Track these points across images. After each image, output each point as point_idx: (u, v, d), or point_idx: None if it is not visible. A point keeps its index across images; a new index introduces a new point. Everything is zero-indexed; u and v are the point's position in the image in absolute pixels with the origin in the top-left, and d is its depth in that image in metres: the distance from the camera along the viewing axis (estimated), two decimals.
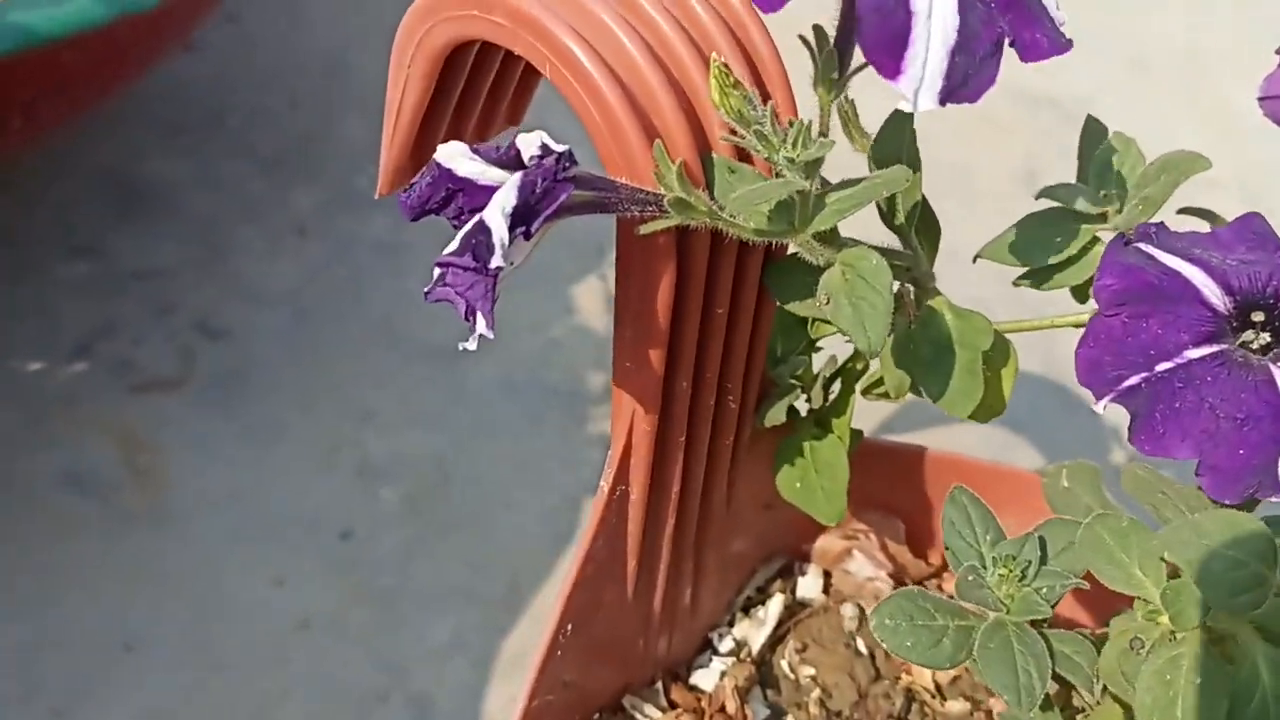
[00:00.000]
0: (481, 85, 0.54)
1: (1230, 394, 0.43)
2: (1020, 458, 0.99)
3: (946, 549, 0.51)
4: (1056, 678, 0.49)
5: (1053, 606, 0.49)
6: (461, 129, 0.55)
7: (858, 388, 0.59)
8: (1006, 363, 0.54)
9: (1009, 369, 0.54)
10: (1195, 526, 0.39)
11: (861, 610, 0.69)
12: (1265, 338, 0.44)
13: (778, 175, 0.44)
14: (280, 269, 1.07)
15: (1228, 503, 0.44)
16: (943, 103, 0.38)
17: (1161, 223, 0.47)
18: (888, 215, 0.51)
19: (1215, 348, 0.44)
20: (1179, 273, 0.44)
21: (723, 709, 0.63)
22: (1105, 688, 0.47)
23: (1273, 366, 0.44)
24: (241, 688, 0.84)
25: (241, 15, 1.25)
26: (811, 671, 0.66)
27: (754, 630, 0.68)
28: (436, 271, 0.41)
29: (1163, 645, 0.43)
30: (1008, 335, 0.55)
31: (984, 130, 1.23)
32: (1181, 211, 0.54)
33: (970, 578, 0.48)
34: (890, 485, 0.70)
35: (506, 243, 0.38)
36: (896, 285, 0.52)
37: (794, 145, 0.42)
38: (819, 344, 0.60)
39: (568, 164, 0.40)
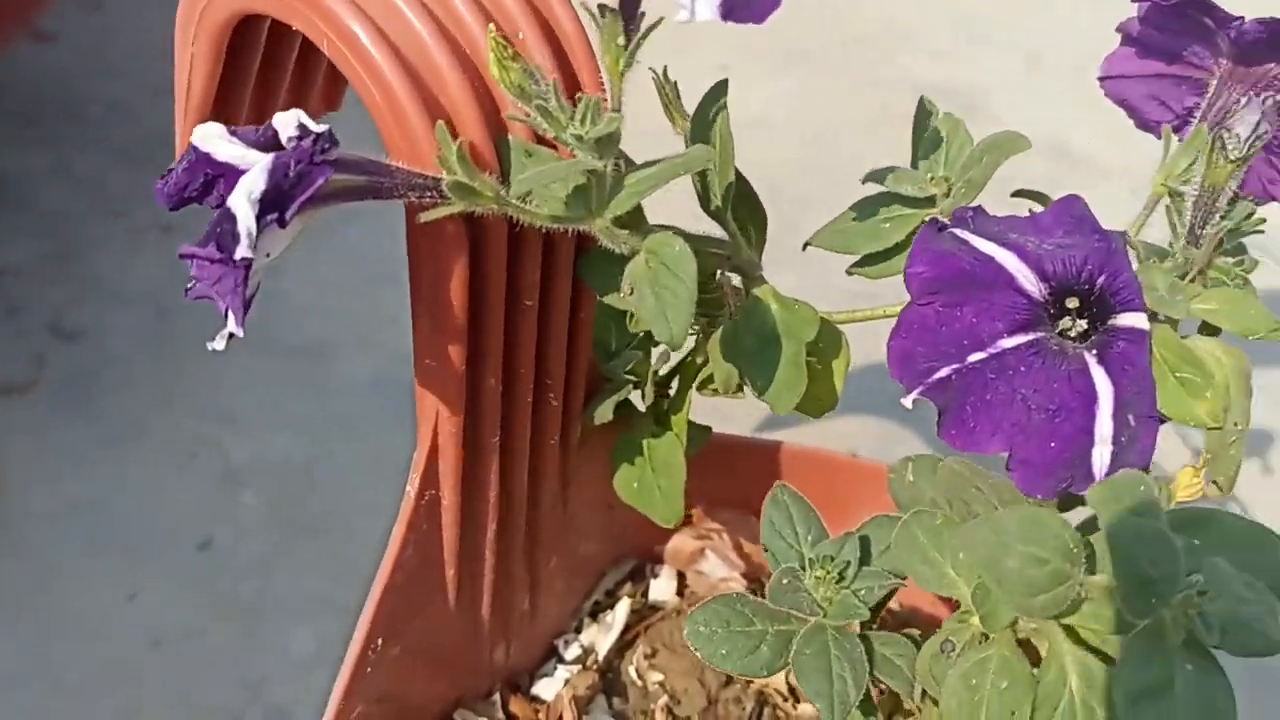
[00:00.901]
0: (283, 64, 0.51)
1: (1043, 384, 0.42)
2: (911, 449, 0.97)
3: (765, 550, 0.49)
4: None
5: (873, 608, 0.47)
6: (266, 114, 0.52)
7: (694, 383, 0.57)
8: (838, 354, 0.51)
9: (840, 361, 0.52)
10: (994, 523, 0.37)
11: None
12: (1082, 324, 0.42)
13: None
14: (141, 266, 1.03)
15: (1041, 498, 0.42)
16: (724, 17, 0.35)
17: (979, 206, 0.45)
18: (703, 199, 0.48)
19: (1030, 336, 0.42)
20: (992, 258, 0.42)
21: (560, 718, 0.61)
22: (925, 691, 0.45)
23: (1088, 355, 0.42)
24: (87, 710, 0.80)
25: (104, 3, 1.20)
26: (660, 677, 0.64)
27: (601, 636, 0.65)
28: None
29: (971, 648, 0.41)
30: (842, 326, 0.53)
31: (886, 124, 1.21)
32: (1016, 194, 0.52)
33: (785, 581, 0.46)
34: (744, 482, 0.68)
35: (254, 232, 0.35)
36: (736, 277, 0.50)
37: (583, 121, 0.40)
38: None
39: (327, 145, 0.37)
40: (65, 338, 0.97)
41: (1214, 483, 0.43)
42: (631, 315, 0.53)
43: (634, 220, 0.44)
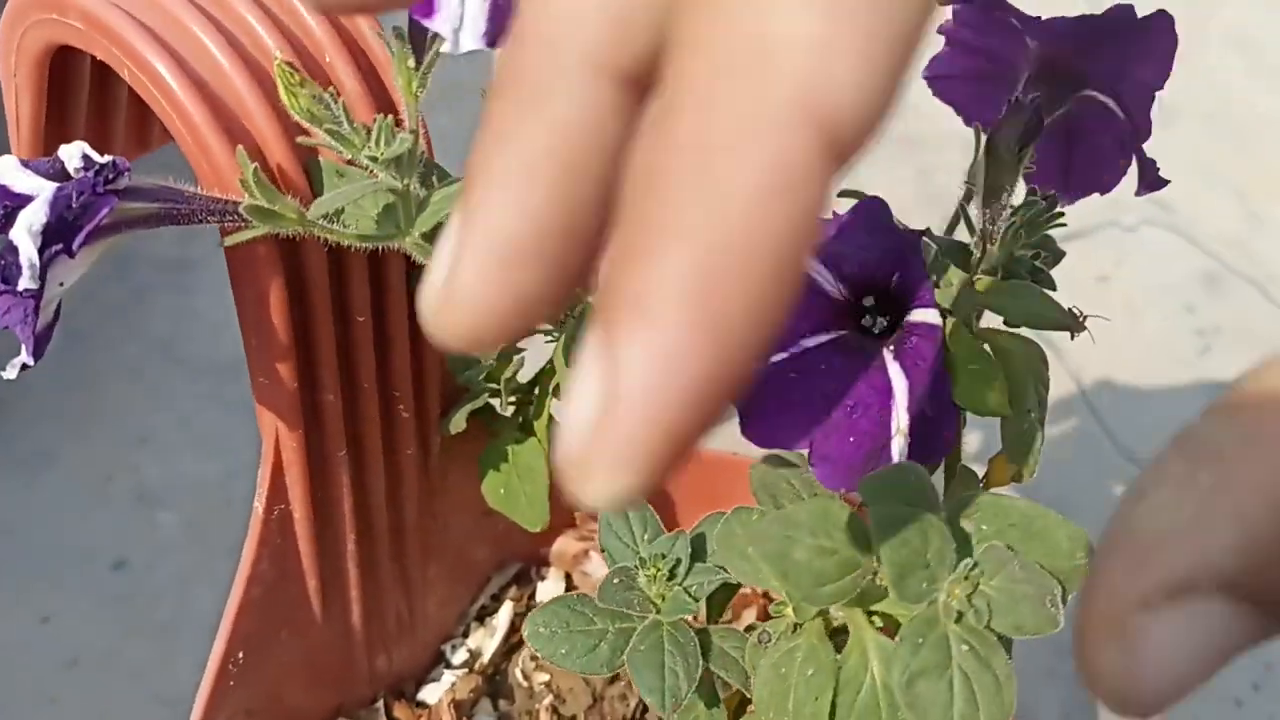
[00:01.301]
0: (118, 92, 0.52)
1: (843, 381, 0.43)
2: None
3: (603, 550, 0.50)
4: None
5: (716, 603, 0.48)
6: (107, 141, 0.53)
7: (552, 388, 0.58)
8: None
9: None
10: (784, 518, 0.38)
11: None
12: (883, 321, 0.44)
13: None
14: None
15: (844, 491, 0.43)
16: (491, 44, 0.35)
17: None
18: None
19: (832, 335, 0.43)
20: None
21: None
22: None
23: (885, 351, 0.43)
24: None
25: None
26: (546, 677, 0.65)
27: (487, 639, 0.66)
28: None
29: (784, 638, 0.42)
30: None
31: None
32: (841, 194, 0.53)
33: (616, 581, 0.47)
34: None
35: (37, 264, 0.36)
36: None
37: (377, 143, 0.41)
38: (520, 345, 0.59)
39: (112, 175, 0.38)
40: None
41: (1019, 470, 0.44)
42: None
43: None
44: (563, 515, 0.69)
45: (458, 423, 0.56)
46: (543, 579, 0.69)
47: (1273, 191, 1.17)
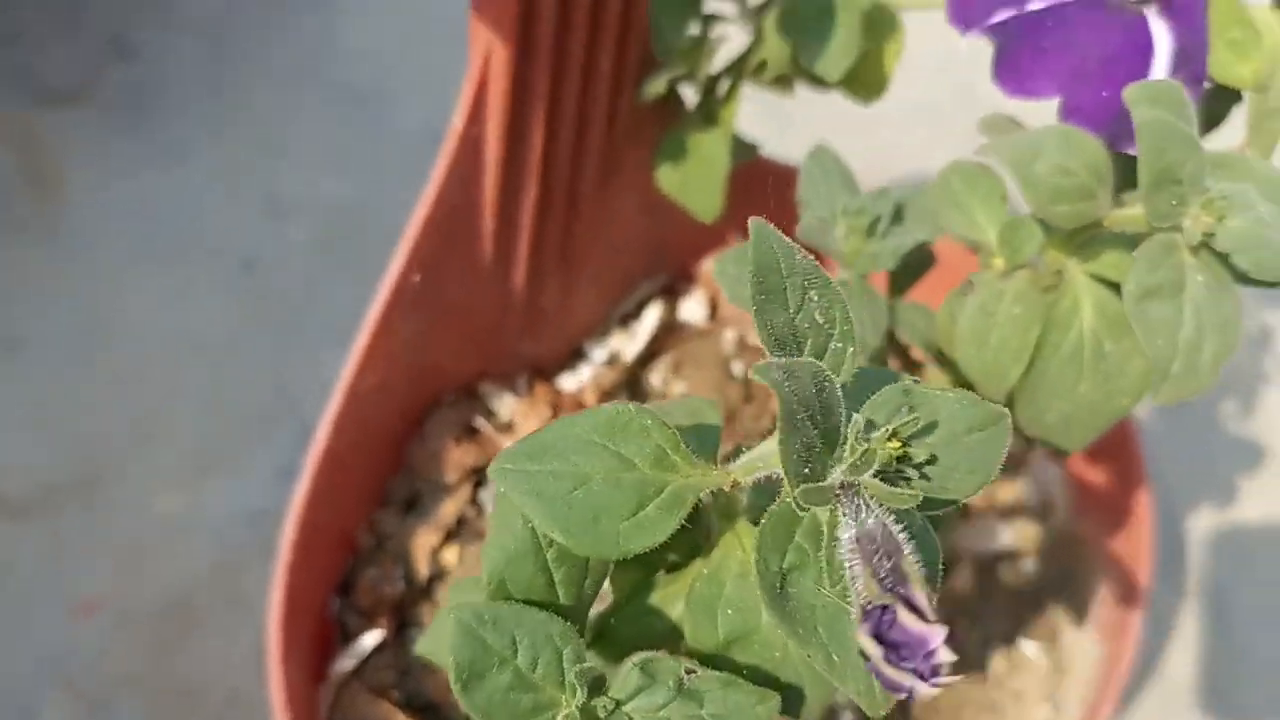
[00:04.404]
0: None
1: (1102, 36, 0.42)
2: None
3: (799, 203, 0.50)
4: (894, 342, 0.48)
5: (904, 277, 0.48)
6: None
7: (744, 72, 0.57)
8: (891, 36, 0.52)
9: (893, 45, 0.52)
10: (1031, 137, 0.38)
11: (742, 337, 0.68)
12: None
13: None
14: None
15: None
16: None
17: None
18: None
19: None
20: None
21: (579, 404, 0.62)
22: (939, 352, 0.46)
23: (1148, 8, 0.42)
24: (128, 397, 0.83)
25: None
26: (682, 387, 0.65)
27: (628, 343, 0.66)
28: None
29: (992, 282, 0.42)
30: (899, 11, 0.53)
31: None
32: None
33: (815, 222, 0.46)
34: (786, 210, 0.68)
35: None
36: None
37: None
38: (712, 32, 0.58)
39: None
40: (122, 55, 0.98)
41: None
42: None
43: None
44: (722, 227, 0.68)
45: (655, 88, 0.56)
46: (687, 296, 0.69)
47: None
